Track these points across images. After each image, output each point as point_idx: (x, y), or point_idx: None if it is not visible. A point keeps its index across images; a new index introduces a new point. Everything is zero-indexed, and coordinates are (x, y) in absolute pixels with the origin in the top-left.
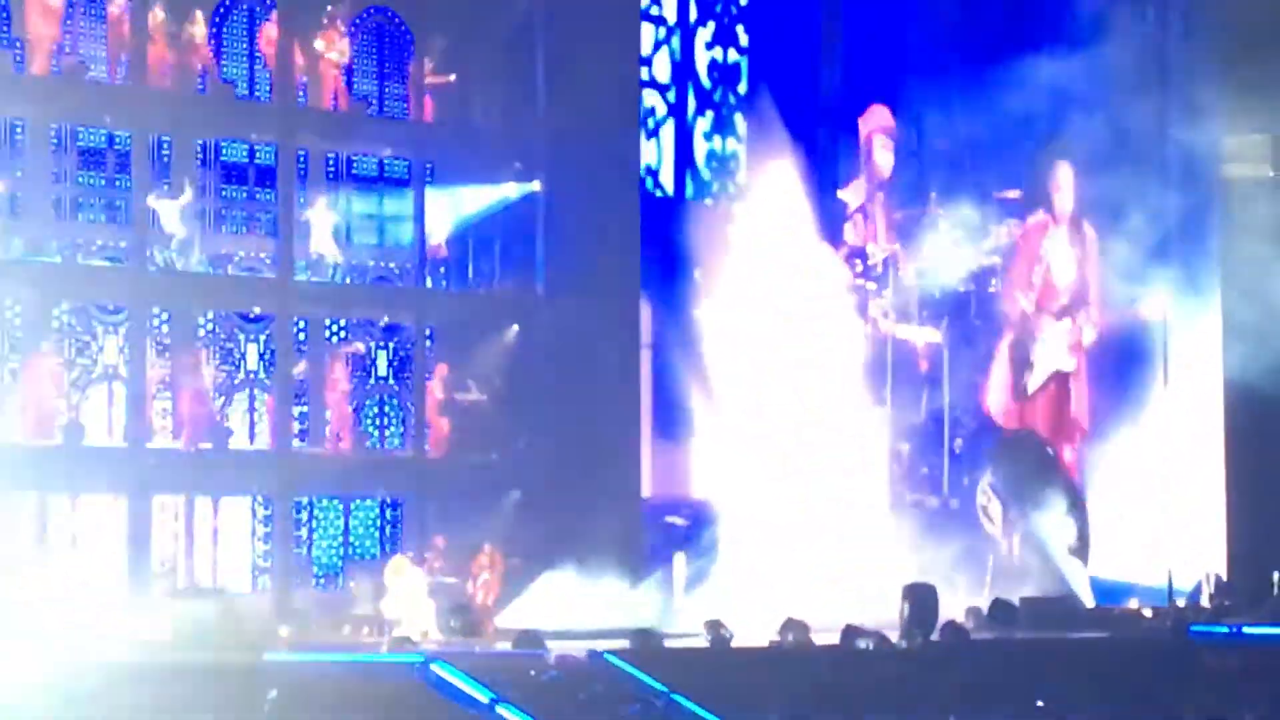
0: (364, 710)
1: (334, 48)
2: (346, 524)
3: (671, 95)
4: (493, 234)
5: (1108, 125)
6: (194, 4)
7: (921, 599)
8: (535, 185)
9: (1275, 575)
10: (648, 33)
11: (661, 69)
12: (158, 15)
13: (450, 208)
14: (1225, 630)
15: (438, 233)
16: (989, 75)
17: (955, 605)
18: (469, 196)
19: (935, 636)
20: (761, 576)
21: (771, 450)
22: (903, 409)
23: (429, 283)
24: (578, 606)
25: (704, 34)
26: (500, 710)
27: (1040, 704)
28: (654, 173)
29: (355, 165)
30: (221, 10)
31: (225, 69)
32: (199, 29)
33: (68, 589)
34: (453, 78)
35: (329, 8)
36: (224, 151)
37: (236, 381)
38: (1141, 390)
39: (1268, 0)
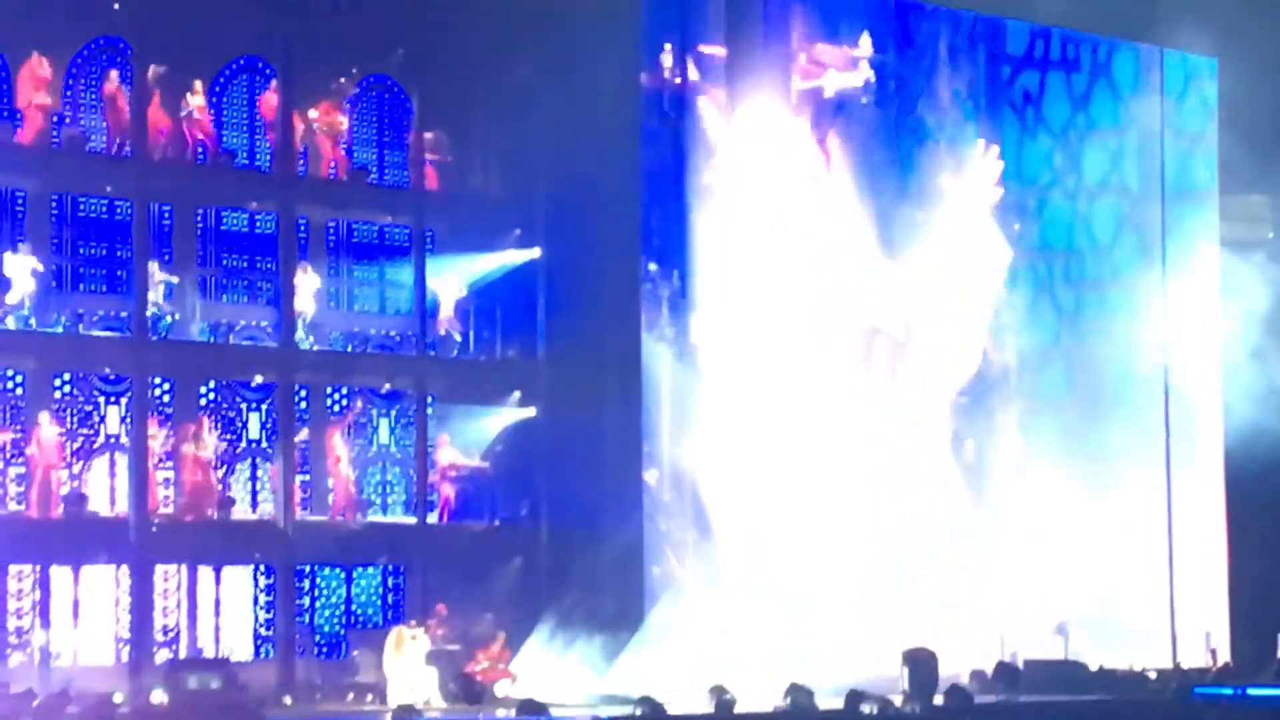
0: None
1: (334, 117)
2: (349, 592)
3: None
4: (493, 301)
5: None
6: (194, 75)
7: (921, 664)
8: (535, 252)
9: (1278, 638)
10: None
11: None
12: (158, 87)
13: (453, 276)
14: (1229, 692)
15: (447, 303)
16: None
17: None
18: (470, 264)
19: (939, 699)
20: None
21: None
22: None
23: (437, 351)
24: (581, 672)
25: None
26: None
27: None
28: None
29: (356, 233)
30: (221, 81)
31: (225, 139)
32: (199, 99)
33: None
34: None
35: (332, 81)
36: (224, 221)
37: (238, 450)
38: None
39: None
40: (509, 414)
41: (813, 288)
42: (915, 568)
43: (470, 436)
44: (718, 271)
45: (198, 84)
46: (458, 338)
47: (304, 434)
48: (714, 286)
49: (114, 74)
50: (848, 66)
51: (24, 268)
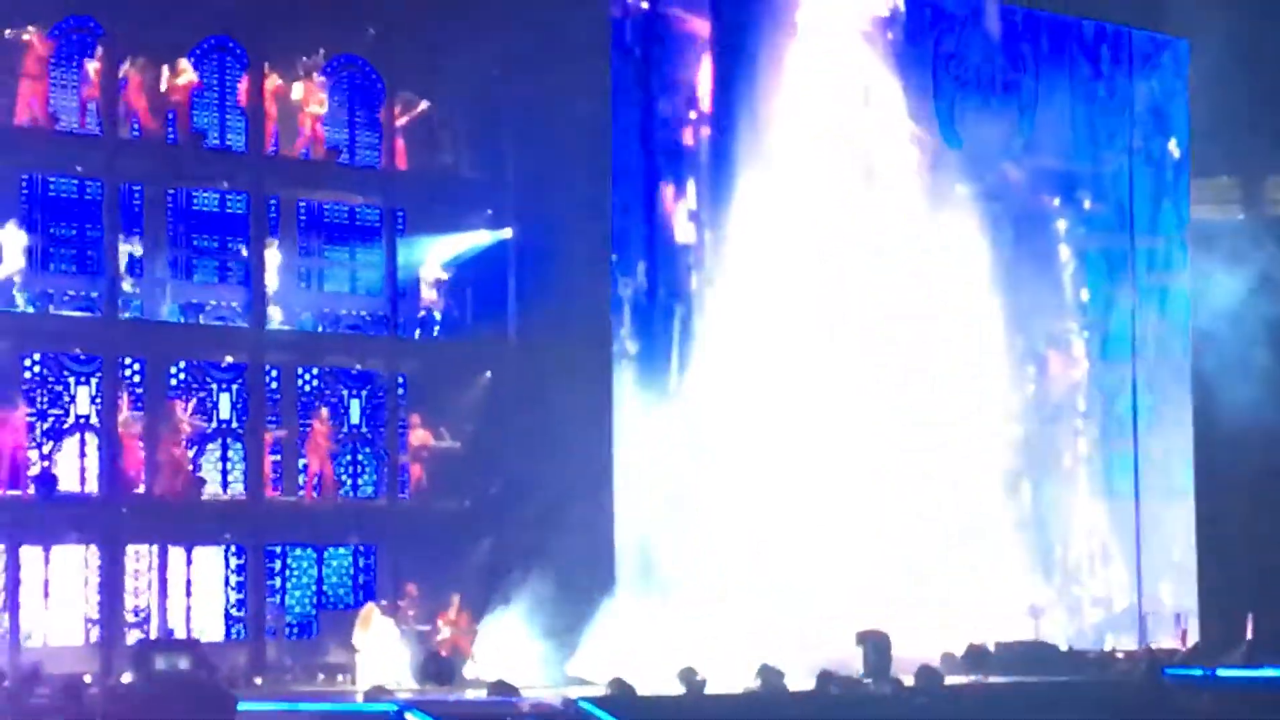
0: None
1: (306, 97)
2: (320, 572)
3: None
4: (465, 281)
5: None
6: (165, 55)
7: (875, 645)
8: (507, 232)
9: (1249, 618)
10: None
11: None
12: (129, 66)
13: (430, 256)
14: (1199, 673)
15: (429, 282)
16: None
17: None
18: (441, 244)
19: (909, 681)
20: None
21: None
22: None
23: (408, 331)
24: (552, 653)
25: None
26: None
27: None
28: None
29: (326, 213)
30: (192, 60)
31: (195, 118)
32: (170, 79)
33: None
34: (424, 105)
35: (302, 58)
36: (195, 200)
37: (209, 430)
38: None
39: None
40: (480, 394)
41: (818, 277)
42: (922, 569)
43: (441, 416)
44: (700, 260)
45: (183, 63)
46: (438, 316)
47: (284, 434)
48: (695, 284)
49: (97, 51)
50: None
51: (15, 244)
